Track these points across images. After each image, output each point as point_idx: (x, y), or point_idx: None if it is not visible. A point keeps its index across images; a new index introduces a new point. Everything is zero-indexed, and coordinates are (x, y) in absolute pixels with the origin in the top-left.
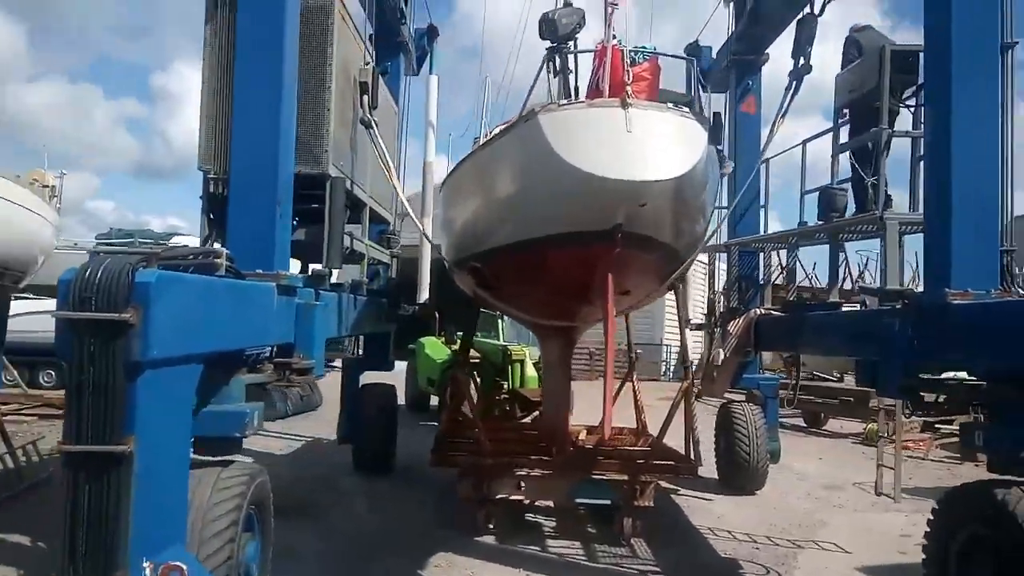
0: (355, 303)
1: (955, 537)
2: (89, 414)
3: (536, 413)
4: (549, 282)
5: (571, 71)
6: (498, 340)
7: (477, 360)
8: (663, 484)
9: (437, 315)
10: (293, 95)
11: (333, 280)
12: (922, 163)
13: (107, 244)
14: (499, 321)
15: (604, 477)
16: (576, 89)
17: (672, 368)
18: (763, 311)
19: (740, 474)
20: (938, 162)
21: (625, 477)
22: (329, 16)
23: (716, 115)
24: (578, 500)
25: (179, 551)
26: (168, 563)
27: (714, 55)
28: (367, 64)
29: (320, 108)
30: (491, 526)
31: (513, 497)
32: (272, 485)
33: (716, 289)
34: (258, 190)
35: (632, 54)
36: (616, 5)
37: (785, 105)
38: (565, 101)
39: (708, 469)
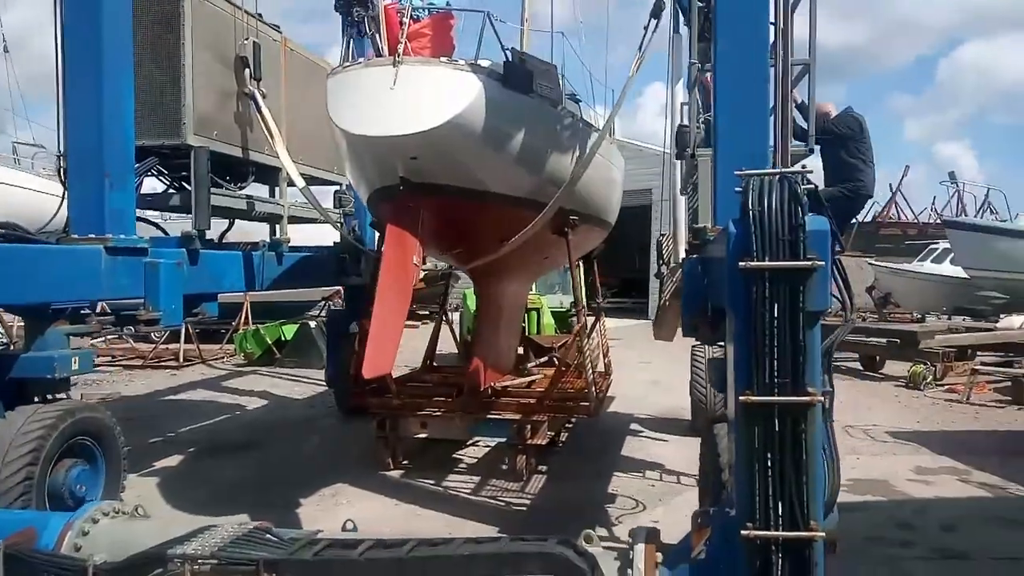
0: (278, 260)
1: None
2: None
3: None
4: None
5: (374, 31)
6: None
7: None
8: (637, 427)
9: None
10: (123, 74)
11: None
12: None
13: None
14: None
15: (499, 416)
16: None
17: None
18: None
19: (699, 415)
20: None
21: (518, 417)
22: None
23: (522, 61)
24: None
25: None
26: None
27: None
28: (246, 39)
29: (175, 84)
30: (404, 462)
31: (417, 435)
32: (247, 424)
33: (663, 232)
34: (87, 162)
35: (416, 12)
36: None
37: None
38: (349, 62)
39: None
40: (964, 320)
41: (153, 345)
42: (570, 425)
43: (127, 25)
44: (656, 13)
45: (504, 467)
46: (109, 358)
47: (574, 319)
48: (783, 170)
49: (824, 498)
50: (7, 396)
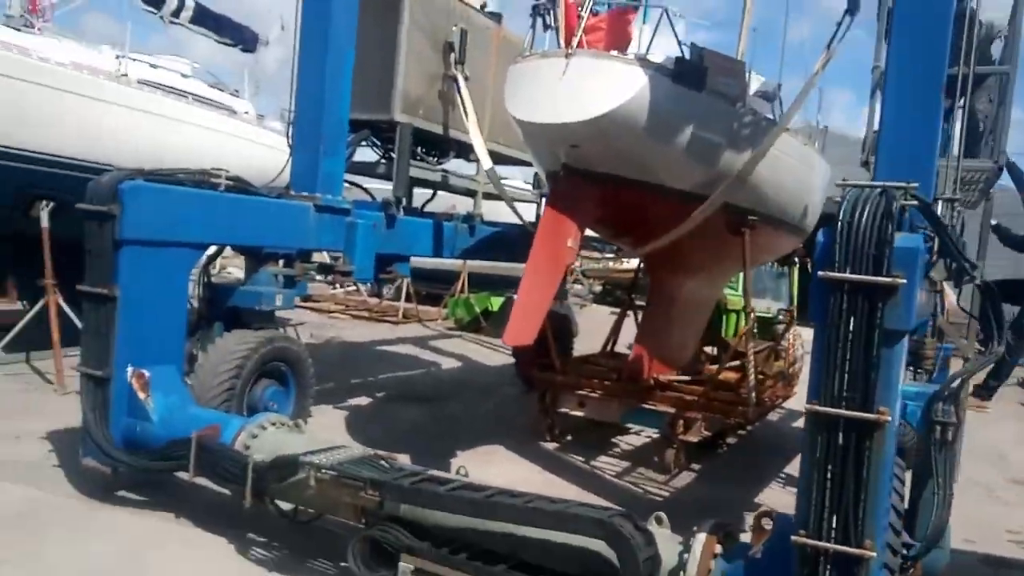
0: (471, 232)
1: None
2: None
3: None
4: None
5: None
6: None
7: None
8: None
9: None
10: (343, 56)
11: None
12: None
13: None
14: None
15: (653, 408)
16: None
17: None
18: None
19: None
20: None
21: (671, 410)
22: None
23: (700, 58)
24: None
25: (167, 369)
26: (138, 369)
27: None
28: (456, 26)
29: (389, 65)
30: (562, 436)
31: (574, 413)
32: (437, 380)
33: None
34: (307, 131)
35: (596, 6)
36: None
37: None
38: (530, 53)
39: None
40: None
41: (380, 300)
42: (743, 432)
43: (352, 11)
44: (852, 8)
45: (656, 459)
46: (344, 307)
47: (779, 326)
48: (886, 183)
49: (927, 531)
50: (227, 320)
